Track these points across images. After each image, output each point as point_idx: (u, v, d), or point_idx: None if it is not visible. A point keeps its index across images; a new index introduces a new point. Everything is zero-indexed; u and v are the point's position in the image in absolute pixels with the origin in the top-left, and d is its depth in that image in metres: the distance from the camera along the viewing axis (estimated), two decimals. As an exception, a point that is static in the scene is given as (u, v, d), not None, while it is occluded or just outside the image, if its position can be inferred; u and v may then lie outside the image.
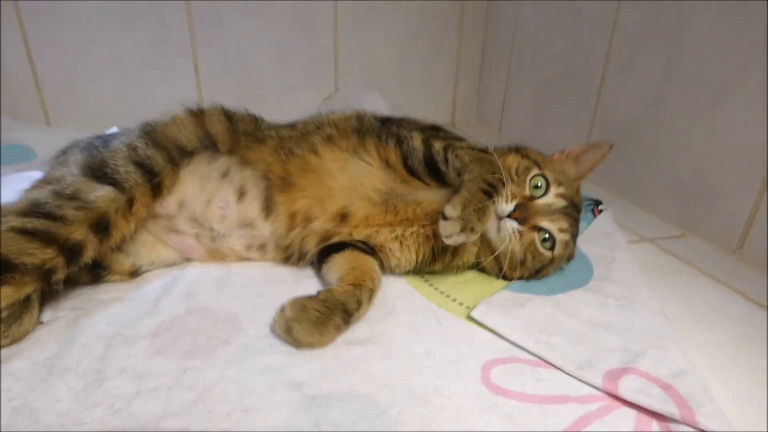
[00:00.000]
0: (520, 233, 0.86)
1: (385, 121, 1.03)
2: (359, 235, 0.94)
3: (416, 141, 0.93)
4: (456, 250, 0.93)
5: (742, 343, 0.83)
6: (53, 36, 1.63)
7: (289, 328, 0.75)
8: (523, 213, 0.86)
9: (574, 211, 0.90)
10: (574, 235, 0.92)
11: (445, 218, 0.80)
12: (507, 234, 0.86)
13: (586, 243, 1.06)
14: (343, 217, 0.94)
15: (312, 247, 0.95)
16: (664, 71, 1.23)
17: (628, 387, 0.67)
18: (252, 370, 0.70)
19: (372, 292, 0.84)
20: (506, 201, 0.86)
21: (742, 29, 1.04)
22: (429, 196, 0.94)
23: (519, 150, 0.97)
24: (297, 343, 0.75)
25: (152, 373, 0.69)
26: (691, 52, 1.16)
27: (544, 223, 0.87)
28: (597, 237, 1.09)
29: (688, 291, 0.97)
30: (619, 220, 1.24)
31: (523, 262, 0.89)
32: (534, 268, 0.91)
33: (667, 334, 0.79)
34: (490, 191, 0.82)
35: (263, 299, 0.87)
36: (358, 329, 0.80)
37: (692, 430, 0.63)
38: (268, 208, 0.95)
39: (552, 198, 0.89)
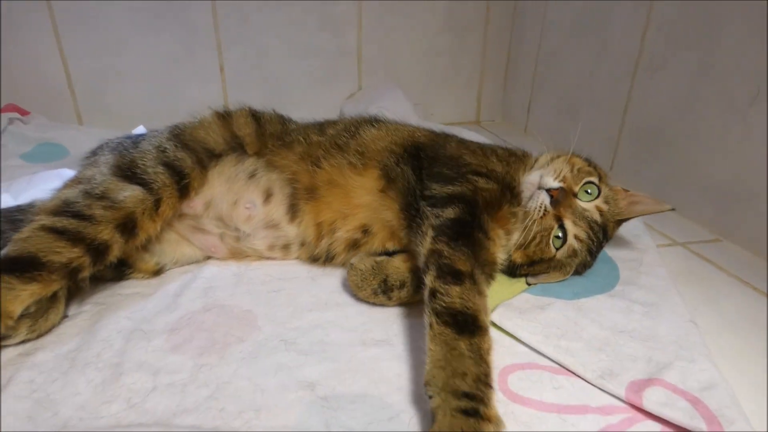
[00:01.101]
0: (545, 212, 0.85)
1: (420, 180, 0.89)
2: (390, 246, 0.93)
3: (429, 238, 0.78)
4: None
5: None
6: (85, 38, 1.67)
7: (348, 272, 0.86)
8: (560, 197, 0.85)
9: (600, 233, 0.87)
10: (588, 256, 0.88)
11: None
12: (536, 204, 0.85)
13: (612, 246, 1.02)
14: (366, 231, 0.93)
15: (341, 251, 0.94)
16: (698, 70, 1.18)
17: (653, 399, 0.65)
18: (265, 369, 0.70)
19: None
20: (555, 178, 0.87)
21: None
22: None
23: (589, 161, 0.96)
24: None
25: (168, 369, 0.70)
26: (726, 51, 1.11)
27: (568, 221, 0.85)
28: (625, 240, 1.05)
29: (720, 298, 0.93)
30: (651, 223, 1.20)
31: (528, 245, 0.87)
32: (533, 257, 0.88)
33: (695, 344, 0.75)
34: (469, 407, 0.58)
35: (279, 296, 0.87)
36: (373, 329, 0.79)
37: (721, 446, 0.59)
38: (293, 213, 0.95)
39: (591, 207, 0.87)
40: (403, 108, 1.75)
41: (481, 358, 0.62)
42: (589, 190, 0.88)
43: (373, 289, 0.84)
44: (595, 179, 0.89)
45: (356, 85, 1.95)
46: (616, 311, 0.83)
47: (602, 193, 0.88)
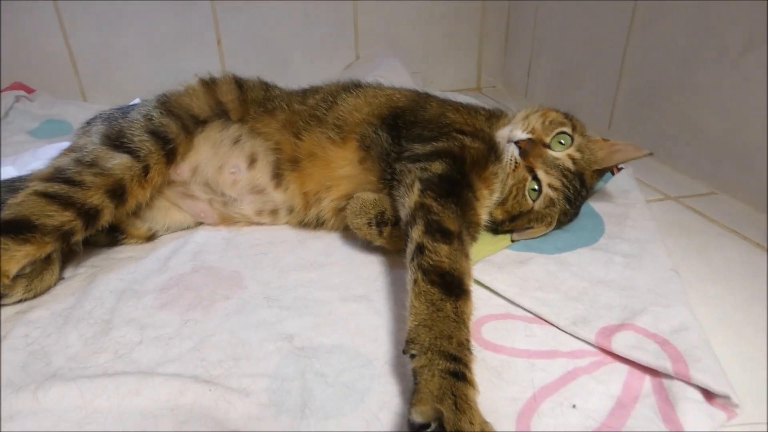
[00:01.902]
0: (516, 165, 0.86)
1: (394, 150, 0.89)
2: None
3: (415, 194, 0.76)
4: None
5: (762, 299, 0.78)
6: (85, 15, 1.69)
7: (350, 201, 0.88)
8: (528, 147, 0.85)
9: (576, 181, 0.87)
10: (566, 204, 0.88)
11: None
12: (507, 157, 0.86)
13: (599, 201, 1.02)
14: (350, 197, 0.93)
15: (330, 216, 0.96)
16: (693, 22, 1.14)
17: (621, 342, 0.65)
18: (247, 323, 0.73)
19: None
20: (522, 130, 0.87)
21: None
22: None
23: (567, 114, 0.95)
24: None
25: (155, 324, 0.73)
26: (720, 2, 1.07)
27: (539, 170, 0.86)
28: (612, 195, 1.04)
29: (708, 248, 0.92)
30: (643, 179, 1.18)
31: (505, 199, 0.88)
32: (512, 212, 0.89)
33: (673, 291, 0.75)
34: (457, 369, 0.56)
35: (267, 258, 0.90)
36: (354, 287, 0.81)
37: (689, 388, 0.60)
38: (278, 179, 0.97)
39: (563, 155, 0.87)
40: (400, 76, 1.73)
41: (464, 323, 0.61)
42: (562, 141, 0.87)
43: (369, 219, 0.85)
44: (567, 129, 0.88)
45: (353, 54, 1.94)
46: (597, 263, 0.83)
47: (575, 142, 0.87)
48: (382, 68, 1.72)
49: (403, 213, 0.76)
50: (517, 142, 0.86)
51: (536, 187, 0.86)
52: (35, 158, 1.23)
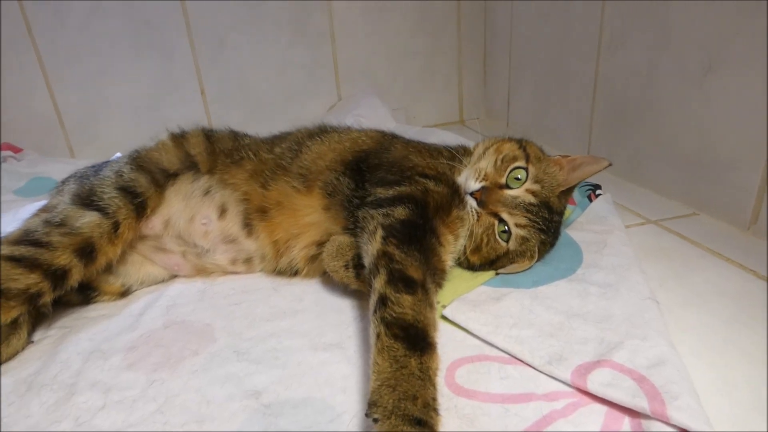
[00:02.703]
0: (478, 214, 0.86)
1: (356, 197, 0.88)
2: None
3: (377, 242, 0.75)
4: None
5: (744, 323, 0.76)
6: (70, 72, 1.74)
7: (327, 244, 0.87)
8: (483, 196, 0.85)
9: (545, 211, 0.86)
10: (541, 235, 0.87)
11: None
12: (468, 209, 0.86)
13: (577, 229, 1.00)
14: (320, 244, 0.93)
15: (303, 265, 0.95)
16: (655, 44, 1.16)
17: (597, 381, 0.63)
18: (214, 380, 0.71)
19: None
20: (475, 179, 0.87)
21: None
22: None
23: (521, 141, 0.94)
24: None
25: (120, 386, 0.71)
26: (679, 21, 1.09)
27: (503, 213, 0.85)
28: (590, 222, 1.02)
29: (689, 272, 0.90)
30: (624, 203, 1.17)
31: (480, 245, 0.87)
32: (489, 256, 0.88)
33: (650, 321, 0.73)
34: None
35: (240, 308, 0.88)
36: (326, 334, 0.79)
37: (668, 428, 0.57)
38: (248, 228, 0.96)
39: (521, 192, 0.86)
40: (380, 114, 1.76)
41: (430, 379, 0.58)
42: (518, 176, 0.86)
43: (346, 262, 0.84)
44: (521, 163, 0.87)
45: (335, 95, 1.97)
46: (573, 295, 0.81)
47: (530, 175, 0.86)
48: (362, 107, 1.75)
49: (367, 261, 0.74)
50: (472, 194, 0.86)
51: (505, 228, 0.86)
52: (15, 219, 1.23)
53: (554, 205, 0.88)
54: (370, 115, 1.70)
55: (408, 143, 0.98)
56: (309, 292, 0.92)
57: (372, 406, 0.55)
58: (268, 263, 0.97)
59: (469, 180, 0.87)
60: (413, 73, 2.00)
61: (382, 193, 0.84)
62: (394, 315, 0.62)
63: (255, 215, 0.95)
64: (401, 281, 0.66)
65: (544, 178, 0.87)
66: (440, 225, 0.80)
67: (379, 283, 0.67)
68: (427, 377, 0.58)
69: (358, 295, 0.89)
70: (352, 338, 0.78)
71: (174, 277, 1.00)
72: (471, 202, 0.86)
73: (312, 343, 0.77)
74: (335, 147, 0.97)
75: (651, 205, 1.17)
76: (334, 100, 1.97)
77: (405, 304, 0.64)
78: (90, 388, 0.71)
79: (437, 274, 0.75)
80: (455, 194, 0.86)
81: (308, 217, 0.92)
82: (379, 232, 0.75)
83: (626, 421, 0.59)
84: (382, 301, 0.65)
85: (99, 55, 1.74)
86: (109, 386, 0.71)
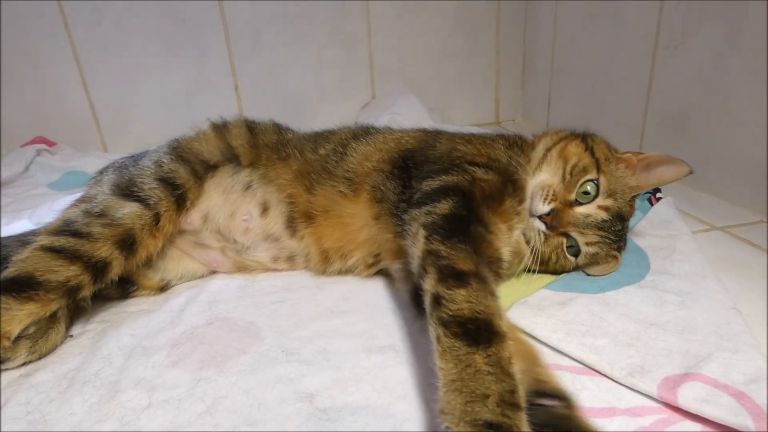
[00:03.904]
0: (546, 236, 0.81)
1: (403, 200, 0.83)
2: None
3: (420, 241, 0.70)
4: None
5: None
6: (105, 68, 1.73)
7: None
8: (555, 221, 0.79)
9: (618, 224, 0.81)
10: (613, 244, 0.82)
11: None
12: (534, 233, 0.80)
13: (641, 234, 0.94)
14: (377, 255, 0.89)
15: (363, 270, 0.91)
16: (724, 40, 1.09)
17: (689, 396, 0.57)
18: (264, 381, 0.67)
19: None
20: (544, 200, 0.80)
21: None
22: None
23: (586, 139, 0.87)
24: None
25: (166, 385, 0.67)
26: (749, 18, 1.02)
27: (573, 233, 0.81)
28: (654, 227, 0.96)
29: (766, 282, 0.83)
30: (686, 209, 1.10)
31: (547, 262, 0.83)
32: (557, 270, 0.85)
33: (739, 333, 0.66)
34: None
35: (284, 306, 0.84)
36: (378, 335, 0.75)
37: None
38: (292, 229, 0.92)
39: (593, 209, 0.80)
40: (417, 112, 1.72)
41: (503, 371, 0.52)
42: (588, 189, 0.80)
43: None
44: (592, 175, 0.80)
45: (370, 94, 1.94)
46: (647, 303, 0.76)
47: (602, 188, 0.80)
48: (399, 105, 1.71)
49: (414, 266, 0.69)
50: (540, 217, 0.80)
51: (573, 243, 0.81)
52: (51, 211, 1.21)
53: (626, 214, 0.83)
54: (407, 113, 1.65)
55: (454, 135, 0.93)
56: (355, 291, 0.88)
57: (441, 414, 0.51)
58: (314, 265, 0.93)
59: (535, 200, 0.81)
60: (450, 73, 1.96)
61: (427, 186, 0.78)
62: (450, 313, 0.58)
63: (300, 219, 0.91)
64: (451, 276, 0.61)
65: (616, 189, 0.81)
66: (489, 214, 0.74)
67: (429, 284, 0.62)
68: (498, 369, 0.52)
69: (408, 295, 0.84)
70: (406, 341, 0.74)
71: (213, 272, 0.97)
72: (539, 226, 0.80)
73: (365, 345, 0.73)
74: (381, 147, 0.92)
75: (714, 211, 1.10)
76: (368, 99, 1.93)
77: (459, 299, 0.59)
78: (134, 386, 0.67)
79: (493, 263, 0.69)
80: (508, 182, 0.80)
81: (360, 231, 0.87)
82: (421, 233, 0.69)
83: (725, 442, 0.54)
84: (436, 300, 0.60)
85: (134, 51, 1.74)
86: (154, 385, 0.67)
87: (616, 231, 0.80)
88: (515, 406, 0.50)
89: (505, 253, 0.75)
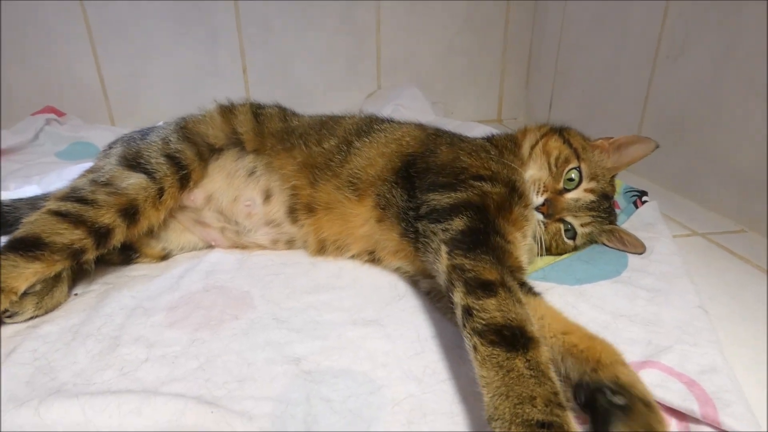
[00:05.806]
0: (545, 224, 0.87)
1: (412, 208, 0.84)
2: (399, 261, 0.90)
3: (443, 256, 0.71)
4: None
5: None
6: (117, 44, 1.77)
7: None
8: (551, 209, 0.86)
9: (603, 202, 0.89)
10: (605, 221, 0.91)
11: None
12: (534, 223, 0.87)
13: (622, 234, 0.98)
14: (371, 252, 0.93)
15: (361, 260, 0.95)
16: (720, 54, 1.13)
17: (645, 381, 0.61)
18: (254, 344, 0.72)
19: None
20: (537, 193, 0.87)
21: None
22: None
23: (563, 133, 0.93)
24: None
25: (163, 343, 0.72)
26: (748, 33, 1.06)
27: (568, 218, 0.88)
28: (635, 228, 1.00)
29: (738, 287, 0.88)
30: (671, 214, 1.15)
31: (548, 248, 0.89)
32: (559, 252, 0.92)
33: (701, 330, 0.71)
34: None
35: (279, 279, 0.89)
36: (365, 310, 0.80)
37: (715, 431, 0.56)
38: (293, 217, 0.96)
39: (580, 193, 0.88)
40: (420, 105, 1.75)
41: (544, 374, 0.53)
42: (572, 176, 0.88)
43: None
44: (574, 164, 0.88)
45: (375, 84, 1.97)
46: (620, 296, 0.80)
47: (584, 174, 0.88)
48: (403, 98, 1.74)
49: (441, 280, 0.70)
50: (537, 208, 0.87)
51: (569, 227, 0.89)
52: (60, 179, 1.26)
53: (609, 193, 0.91)
54: (411, 105, 1.69)
55: (453, 142, 0.93)
56: (347, 269, 0.93)
57: (491, 421, 0.51)
58: (311, 252, 0.97)
59: (530, 194, 0.87)
60: (455, 70, 1.99)
61: (436, 200, 0.80)
62: (483, 322, 0.58)
63: (302, 210, 0.94)
64: (479, 288, 0.63)
65: (597, 173, 0.89)
66: (505, 224, 0.76)
67: (458, 297, 0.63)
68: (539, 373, 0.53)
69: (396, 275, 0.89)
70: (391, 317, 0.78)
71: (212, 246, 1.01)
72: (538, 216, 0.87)
73: (351, 318, 0.77)
74: (383, 152, 0.92)
75: (698, 218, 1.14)
76: (374, 89, 1.97)
77: (490, 308, 0.60)
78: (134, 342, 0.72)
79: (515, 272, 0.70)
80: (513, 192, 0.82)
81: (361, 228, 0.90)
82: (443, 249, 0.71)
83: (673, 424, 0.58)
84: (468, 312, 0.60)
85: (146, 29, 1.77)
86: (152, 342, 0.72)
87: (604, 209, 0.89)
88: (561, 405, 0.51)
89: (525, 261, 0.77)
